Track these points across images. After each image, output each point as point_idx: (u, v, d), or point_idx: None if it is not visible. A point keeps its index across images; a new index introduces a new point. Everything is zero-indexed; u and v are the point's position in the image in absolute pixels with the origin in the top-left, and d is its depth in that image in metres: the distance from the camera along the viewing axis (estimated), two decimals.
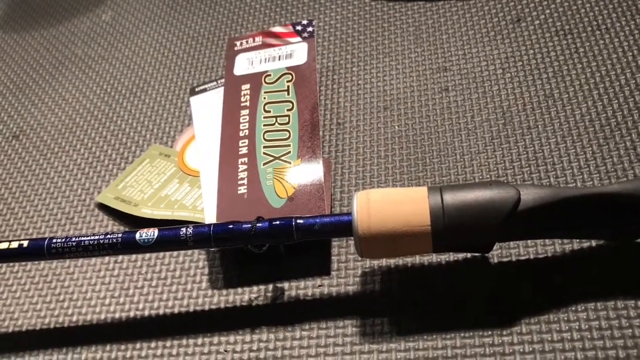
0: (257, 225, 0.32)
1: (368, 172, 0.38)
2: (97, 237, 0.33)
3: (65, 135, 0.47)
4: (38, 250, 0.33)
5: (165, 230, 0.32)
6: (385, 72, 0.43)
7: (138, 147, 0.44)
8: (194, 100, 0.45)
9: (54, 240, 0.33)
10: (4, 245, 0.33)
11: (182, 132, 0.44)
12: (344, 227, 0.31)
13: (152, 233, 0.32)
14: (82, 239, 0.33)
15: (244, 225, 0.32)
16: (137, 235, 0.32)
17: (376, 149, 0.39)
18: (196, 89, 0.46)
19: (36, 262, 0.39)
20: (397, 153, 0.39)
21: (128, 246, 0.32)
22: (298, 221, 0.31)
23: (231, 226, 0.32)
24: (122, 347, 0.33)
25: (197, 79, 0.47)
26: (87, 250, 0.33)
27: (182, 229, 0.32)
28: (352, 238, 0.33)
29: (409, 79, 0.43)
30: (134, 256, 0.37)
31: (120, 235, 0.32)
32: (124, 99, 0.48)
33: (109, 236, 0.32)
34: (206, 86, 0.46)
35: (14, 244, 0.33)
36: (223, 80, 0.45)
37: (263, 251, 0.33)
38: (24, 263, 0.39)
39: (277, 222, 0.31)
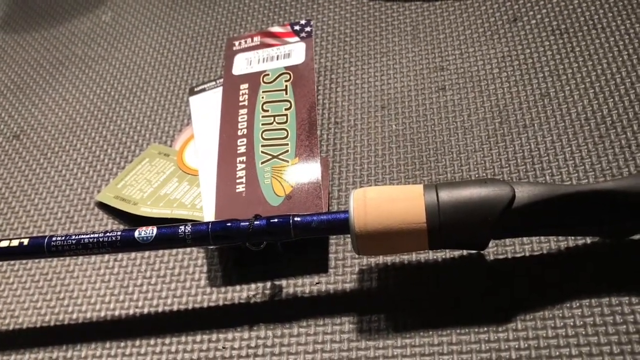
0: (255, 223, 0.32)
1: (365, 171, 0.38)
2: (96, 235, 0.33)
3: (65, 135, 0.47)
4: (38, 248, 0.33)
5: (164, 228, 0.32)
6: (382, 72, 0.44)
7: (138, 147, 0.44)
8: (193, 100, 0.46)
9: (54, 238, 0.33)
10: (5, 244, 0.34)
11: (181, 131, 0.44)
12: (341, 224, 0.31)
13: (151, 231, 0.32)
14: (82, 236, 0.33)
15: (241, 223, 0.32)
16: (136, 233, 0.33)
17: (373, 147, 0.40)
18: (195, 89, 0.46)
19: (37, 260, 0.39)
20: (394, 152, 0.39)
21: (127, 244, 0.33)
22: (295, 219, 0.32)
23: (229, 224, 0.32)
24: (122, 344, 0.34)
25: (196, 79, 0.48)
26: (86, 248, 0.33)
27: (180, 227, 0.32)
28: (349, 235, 0.33)
29: (406, 79, 0.43)
30: (133, 254, 0.38)
31: (119, 233, 0.33)
32: (124, 98, 0.48)
33: (108, 234, 0.33)
34: (205, 86, 0.46)
35: (15, 242, 0.34)
36: (222, 80, 0.45)
37: (261, 249, 0.33)
38: (24, 261, 0.39)
39: (275, 220, 0.32)
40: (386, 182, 0.38)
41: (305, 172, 0.36)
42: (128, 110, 0.47)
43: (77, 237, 0.33)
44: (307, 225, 0.31)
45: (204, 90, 0.46)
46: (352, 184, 0.38)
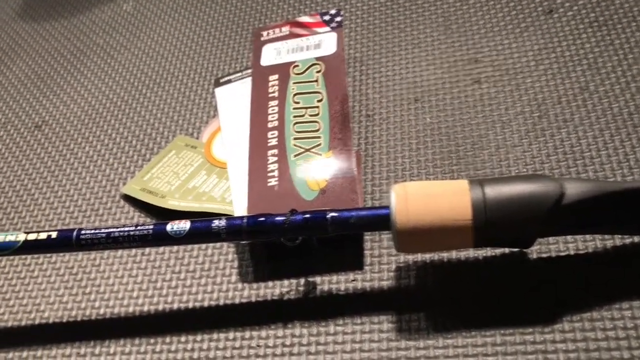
0: (291, 218, 0.31)
1: (400, 165, 0.37)
2: (127, 229, 0.32)
3: (88, 125, 0.46)
4: (67, 242, 0.32)
5: (197, 222, 0.31)
6: (414, 63, 0.43)
7: (163, 138, 0.43)
8: (219, 91, 0.45)
9: (83, 232, 0.32)
10: (32, 237, 0.33)
11: (208, 123, 0.43)
12: (381, 220, 0.30)
13: (183, 225, 0.32)
14: (112, 230, 0.32)
15: (278, 218, 0.31)
16: (169, 227, 0.32)
17: (407, 141, 0.38)
18: (220, 80, 0.45)
19: (62, 254, 0.38)
20: (430, 146, 0.38)
21: (159, 238, 0.32)
22: (332, 214, 0.31)
23: (264, 219, 0.31)
24: (152, 340, 0.33)
25: (221, 70, 0.47)
26: (116, 242, 0.32)
27: (214, 222, 0.31)
28: (386, 232, 0.32)
29: (439, 71, 0.42)
30: (162, 248, 0.37)
31: (151, 227, 0.32)
32: (147, 89, 0.47)
33: (139, 228, 0.32)
34: (231, 77, 0.45)
35: (42, 235, 0.33)
36: (248, 71, 0.44)
37: (296, 244, 0.32)
38: (49, 254, 0.38)
39: (311, 216, 0.31)
40: (422, 177, 0.37)
41: (339, 166, 0.35)
42: (152, 101, 0.46)
43: (107, 231, 0.32)
44: (345, 220, 0.30)
45: (229, 81, 0.45)
46: (385, 179, 0.37)
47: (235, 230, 0.31)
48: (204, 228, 0.31)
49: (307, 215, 0.31)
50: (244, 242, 0.34)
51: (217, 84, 0.45)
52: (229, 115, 0.42)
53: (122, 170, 0.42)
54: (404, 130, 0.39)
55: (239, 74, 0.45)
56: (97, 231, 0.32)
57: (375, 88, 0.42)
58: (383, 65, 0.43)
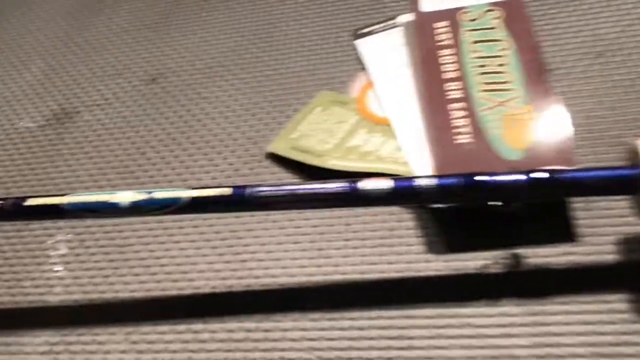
0: (515, 178, 0.26)
1: (595, 125, 0.33)
2: (313, 187, 0.27)
3: (213, 79, 0.42)
4: (240, 199, 0.28)
5: (400, 181, 0.27)
6: (591, 16, 0.38)
7: (305, 94, 0.39)
8: (360, 43, 0.40)
9: (261, 189, 0.28)
10: (198, 193, 0.28)
11: (354, 77, 0.39)
12: (627, 182, 0.25)
13: (383, 184, 0.27)
14: (296, 187, 0.28)
15: (501, 178, 0.26)
16: (362, 186, 0.27)
17: (598, 99, 0.34)
18: (360, 32, 0.41)
19: (205, 217, 0.34)
20: (627, 105, 0.33)
21: (351, 198, 0.27)
22: (566, 175, 0.26)
23: (485, 178, 0.27)
24: (334, 315, 0.29)
25: (359, 21, 0.42)
26: (300, 201, 0.28)
27: (417, 180, 0.27)
28: (602, 199, 0.28)
29: (621, 24, 0.37)
30: (326, 213, 0.33)
31: (341, 185, 0.27)
32: (276, 41, 0.43)
33: (328, 186, 0.27)
34: (372, 28, 0.41)
35: (212, 192, 0.28)
36: (392, 21, 0.39)
37: (508, 211, 0.28)
38: (191, 217, 0.34)
39: (539, 176, 0.26)
40: (626, 139, 0.32)
41: (546, 122, 0.30)
42: (284, 53, 0.42)
43: (290, 188, 0.28)
44: (580, 182, 0.26)
45: (371, 32, 0.40)
46: (582, 140, 0.32)
47: (447, 191, 0.26)
48: (406, 188, 0.27)
49: (536, 175, 0.26)
50: (446, 205, 0.30)
51: (357, 35, 0.41)
52: (381, 68, 0.38)
53: (260, 127, 0.38)
54: (592, 87, 0.34)
55: (382, 24, 0.40)
56: (277, 188, 0.28)
57: (549, 40, 0.37)
58: (554, 17, 0.38)
